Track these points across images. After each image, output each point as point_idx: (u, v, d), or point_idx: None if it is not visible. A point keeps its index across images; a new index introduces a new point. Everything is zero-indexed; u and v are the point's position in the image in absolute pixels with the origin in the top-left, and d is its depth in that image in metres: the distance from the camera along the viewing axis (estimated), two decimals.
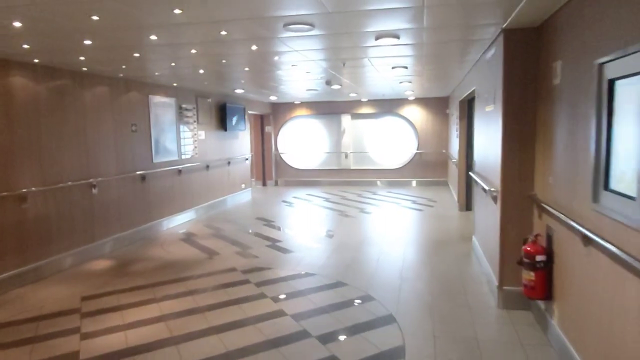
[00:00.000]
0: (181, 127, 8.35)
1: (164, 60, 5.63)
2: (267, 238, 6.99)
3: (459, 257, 5.75)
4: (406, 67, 6.38)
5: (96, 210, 6.23)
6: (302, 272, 5.26)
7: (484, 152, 5.22)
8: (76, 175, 5.87)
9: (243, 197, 11.09)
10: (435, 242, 6.55)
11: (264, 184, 13.72)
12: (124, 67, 5.84)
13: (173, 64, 5.85)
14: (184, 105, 8.44)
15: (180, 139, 8.31)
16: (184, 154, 8.43)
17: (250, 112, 11.84)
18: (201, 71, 6.46)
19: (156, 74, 6.63)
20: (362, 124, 13.28)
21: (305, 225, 8.04)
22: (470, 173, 5.91)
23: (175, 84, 7.87)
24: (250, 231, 7.56)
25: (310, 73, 6.93)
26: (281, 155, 13.75)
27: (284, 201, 10.83)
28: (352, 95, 11.12)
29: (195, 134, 8.83)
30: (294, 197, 11.31)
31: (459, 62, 6.18)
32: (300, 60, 5.70)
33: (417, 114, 12.73)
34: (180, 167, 8.24)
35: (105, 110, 6.45)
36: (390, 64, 6.22)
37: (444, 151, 12.61)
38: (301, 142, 13.67)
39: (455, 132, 9.72)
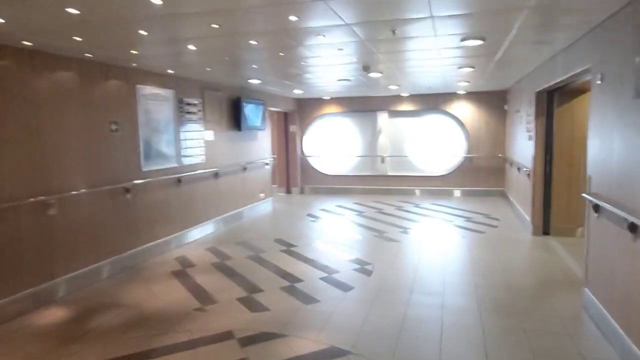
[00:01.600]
0: (182, 126, 6.72)
1: (160, 43, 4.00)
2: (285, 274, 5.25)
3: (566, 321, 3.84)
4: (483, 39, 4.50)
5: (56, 238, 4.65)
6: (329, 346, 3.47)
7: (624, 165, 3.30)
8: (23, 192, 4.29)
9: (262, 208, 9.41)
10: (521, 291, 4.60)
11: (288, 192, 12.02)
12: (93, 43, 4.21)
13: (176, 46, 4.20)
14: (186, 99, 6.81)
15: (180, 141, 6.68)
16: (186, 159, 6.81)
17: (271, 108, 10.15)
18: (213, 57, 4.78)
19: (148, 57, 5.00)
20: (402, 123, 11.38)
21: (334, 253, 6.26)
22: (586, 195, 3.97)
23: (172, 72, 6.24)
24: (264, 260, 5.84)
25: (344, 52, 5.15)
26: (308, 158, 12.02)
27: (309, 215, 9.08)
28: (392, 88, 9.25)
29: (200, 135, 7.20)
30: (322, 210, 9.54)
31: (549, 39, 4.29)
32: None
33: (467, 111, 10.73)
34: (179, 175, 6.61)
35: (71, 103, 4.87)
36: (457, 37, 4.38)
37: (500, 155, 10.56)
38: (331, 144, 11.90)
39: (525, 134, 7.73)
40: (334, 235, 7.41)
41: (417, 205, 9.74)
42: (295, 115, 11.77)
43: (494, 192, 10.66)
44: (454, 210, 9.16)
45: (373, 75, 7.03)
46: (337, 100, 11.53)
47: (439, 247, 6.45)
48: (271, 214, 9.35)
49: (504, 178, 10.56)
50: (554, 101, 6.85)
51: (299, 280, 5.04)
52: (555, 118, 6.86)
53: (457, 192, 10.94)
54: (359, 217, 8.73)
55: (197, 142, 7.09)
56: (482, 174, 10.76)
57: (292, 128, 11.84)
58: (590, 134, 4.25)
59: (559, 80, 5.54)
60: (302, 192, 12.04)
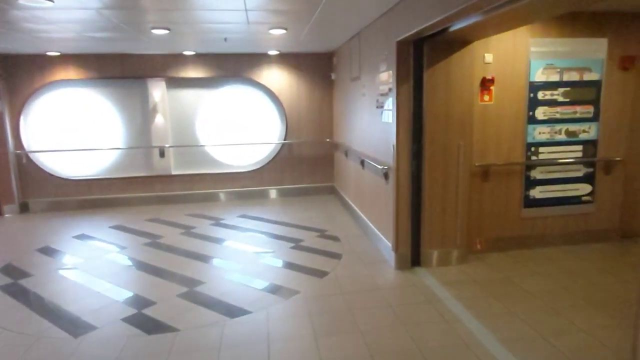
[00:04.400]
0: None
1: None
2: None
3: None
4: None
5: None
6: None
7: None
8: None
9: None
10: None
11: None
12: None
13: None
14: None
15: None
16: None
17: None
18: None
19: None
20: (189, 96, 7.64)
21: None
22: None
23: None
24: None
25: None
26: (32, 156, 7.26)
27: (10, 280, 4.69)
28: (158, 34, 5.41)
29: None
30: (43, 254, 5.21)
31: None
32: None
33: (283, 81, 7.66)
34: None
35: None
36: None
37: (328, 140, 7.88)
38: (71, 130, 7.37)
39: (373, 110, 4.98)
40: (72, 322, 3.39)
41: (217, 223, 6.27)
42: None
43: (322, 190, 7.97)
44: (271, 226, 6.02)
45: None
46: (76, 59, 7.05)
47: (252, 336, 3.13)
48: None
49: (334, 170, 7.94)
50: (424, 58, 4.18)
51: None
52: (425, 84, 4.21)
53: (273, 193, 7.89)
54: (121, 267, 4.78)
55: None
56: (305, 166, 7.93)
57: None
58: None
59: (437, 20, 2.72)
60: (24, 210, 7.25)
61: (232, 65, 7.40)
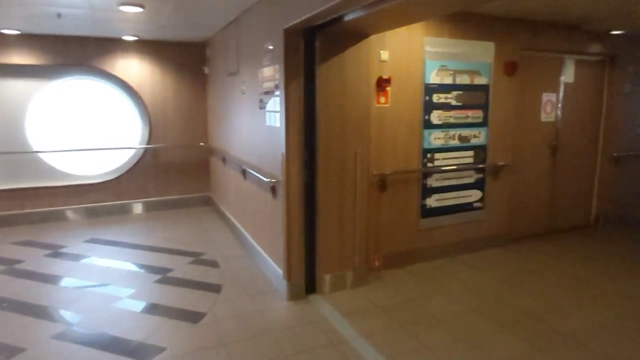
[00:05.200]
0: None
1: None
2: None
3: None
4: None
5: None
6: None
7: None
8: None
9: None
10: None
11: None
12: None
13: None
14: None
15: None
16: None
17: None
18: None
19: None
20: (14, 89, 5.92)
21: None
22: None
23: None
24: None
25: None
26: None
27: None
28: None
29: None
30: None
31: None
32: None
33: (144, 74, 6.39)
34: None
35: None
36: None
37: (202, 144, 6.84)
38: None
39: (256, 111, 4.18)
40: None
41: (54, 253, 4.83)
42: None
43: (196, 201, 6.90)
44: (130, 253, 4.83)
45: None
46: None
47: None
48: None
49: (210, 178, 6.93)
50: (316, 51, 3.53)
51: None
52: (318, 82, 3.56)
53: (136, 208, 6.58)
54: None
55: None
56: (175, 174, 6.77)
57: None
58: None
59: (330, 5, 2.11)
60: None
61: (74, 51, 5.92)
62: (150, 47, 6.32)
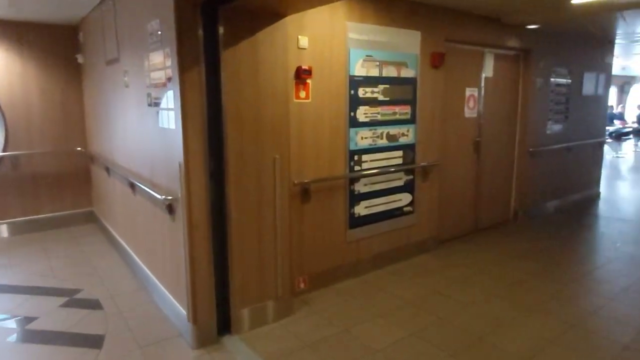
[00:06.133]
0: None
1: None
2: None
3: None
4: None
5: None
6: None
7: None
8: None
9: None
10: None
11: None
12: None
13: None
14: None
15: None
16: None
17: None
18: None
19: None
20: None
21: None
22: None
23: None
24: None
25: None
26: None
27: None
28: None
29: None
30: None
31: None
32: None
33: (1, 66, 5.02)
34: None
35: None
36: None
37: (80, 149, 5.61)
38: None
39: (145, 109, 3.27)
40: None
41: None
42: None
43: (75, 219, 5.66)
44: None
45: None
46: None
47: None
48: None
49: (92, 190, 5.74)
50: (220, 30, 2.76)
51: None
52: (224, 72, 2.80)
53: (2, 230, 5.21)
54: None
55: None
56: (45, 187, 5.47)
57: None
58: None
59: None
60: None
61: None
62: (5, 30, 4.97)
